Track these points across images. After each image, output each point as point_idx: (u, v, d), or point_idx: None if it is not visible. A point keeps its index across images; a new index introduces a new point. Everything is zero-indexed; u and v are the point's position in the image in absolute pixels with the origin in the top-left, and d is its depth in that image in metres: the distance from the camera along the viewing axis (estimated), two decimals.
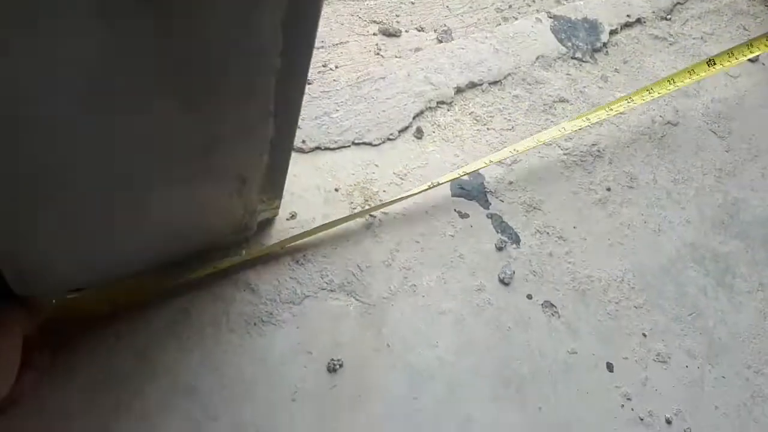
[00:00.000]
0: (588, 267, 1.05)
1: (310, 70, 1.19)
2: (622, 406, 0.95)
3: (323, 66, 1.22)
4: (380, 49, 1.27)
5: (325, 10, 1.32)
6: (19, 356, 0.70)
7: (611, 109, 1.13)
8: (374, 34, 1.31)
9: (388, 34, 1.31)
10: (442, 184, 1.05)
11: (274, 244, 0.95)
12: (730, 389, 0.99)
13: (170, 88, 0.59)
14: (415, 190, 1.04)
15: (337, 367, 0.91)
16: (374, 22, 1.34)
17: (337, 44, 1.28)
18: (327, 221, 0.98)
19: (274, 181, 0.89)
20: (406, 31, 1.32)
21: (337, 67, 1.22)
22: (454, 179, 1.06)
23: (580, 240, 1.07)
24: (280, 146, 0.81)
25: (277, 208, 0.97)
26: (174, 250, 0.91)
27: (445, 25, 1.35)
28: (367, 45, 1.28)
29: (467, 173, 1.07)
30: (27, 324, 0.74)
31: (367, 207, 1.04)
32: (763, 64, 1.37)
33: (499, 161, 1.12)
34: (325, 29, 1.28)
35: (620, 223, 1.10)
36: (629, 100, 1.12)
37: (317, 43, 1.26)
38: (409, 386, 0.91)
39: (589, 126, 1.20)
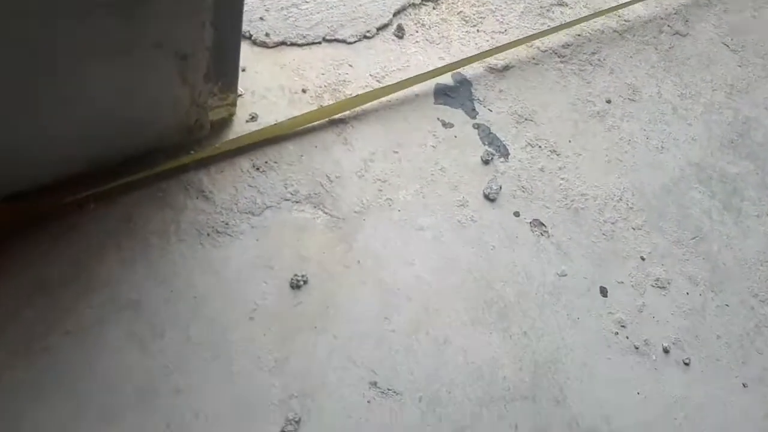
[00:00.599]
0: (583, 184, 0.95)
1: None
2: (616, 333, 0.86)
3: None
4: None
5: None
6: None
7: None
8: None
9: None
10: (423, 80, 0.93)
11: (226, 141, 0.84)
12: (734, 318, 0.91)
13: None
14: (393, 84, 0.92)
15: (302, 283, 0.80)
16: None
17: None
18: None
19: (224, 66, 0.76)
20: None
21: None
22: (437, 76, 0.95)
23: (574, 155, 0.97)
24: (226, 18, 0.69)
25: (233, 105, 0.85)
26: (117, 147, 0.79)
27: None
28: None
29: (453, 71, 0.95)
30: None
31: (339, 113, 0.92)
32: None
33: (491, 67, 1.00)
34: None
35: (620, 138, 1.00)
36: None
37: None
38: (381, 306, 0.81)
39: (588, 33, 1.08)
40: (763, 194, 1.01)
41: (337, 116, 0.92)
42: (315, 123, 0.90)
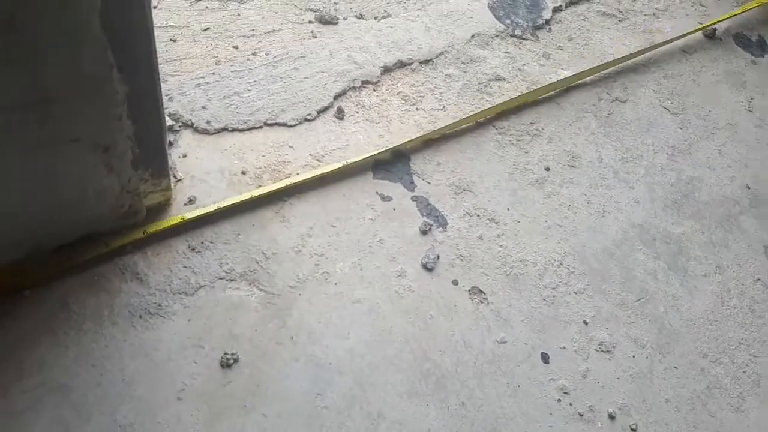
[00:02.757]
0: (522, 250, 0.95)
1: (236, 59, 1.11)
2: (559, 400, 0.84)
3: (252, 54, 1.14)
4: (315, 37, 1.19)
5: None
6: None
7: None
8: (310, 22, 1.23)
9: (324, 21, 1.23)
10: (357, 162, 0.96)
11: (152, 224, 0.86)
12: (683, 380, 0.88)
13: None
14: (329, 168, 0.95)
15: (232, 362, 0.80)
16: (311, 10, 1.26)
17: (269, 32, 1.20)
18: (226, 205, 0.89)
19: (150, 154, 0.79)
20: (345, 18, 1.24)
21: (267, 54, 1.14)
22: (373, 156, 0.98)
23: (513, 222, 0.97)
24: (143, 108, 0.72)
25: (168, 190, 0.88)
26: (51, 234, 0.81)
27: (385, 11, 1.27)
28: (301, 32, 1.20)
29: (389, 149, 0.98)
30: None
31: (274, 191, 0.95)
32: (721, 39, 1.29)
33: (429, 140, 1.03)
34: (257, 17, 1.20)
35: (560, 204, 1.01)
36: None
37: (247, 32, 1.18)
38: (313, 382, 0.80)
39: (527, 105, 1.11)
40: (709, 253, 1.00)
41: (275, 194, 0.94)
42: (252, 202, 0.92)
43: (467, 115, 1.05)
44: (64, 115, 0.66)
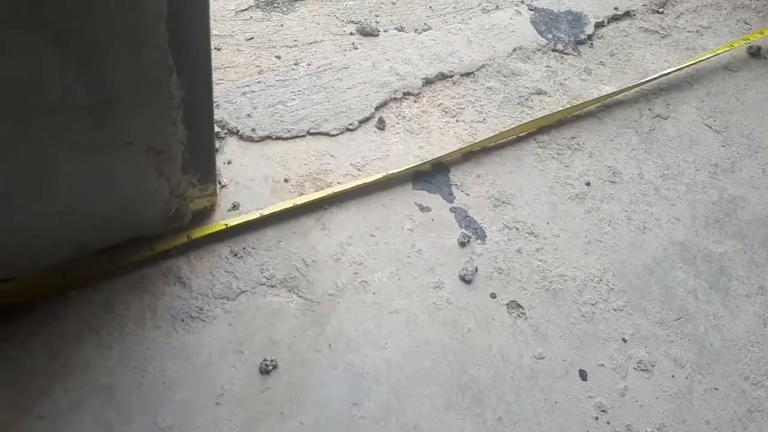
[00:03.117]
0: (561, 265, 0.95)
1: (279, 68, 1.13)
2: (596, 418, 0.83)
3: (294, 64, 1.16)
4: (356, 48, 1.21)
5: (301, 10, 1.27)
6: None
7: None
8: (351, 34, 1.24)
9: (365, 33, 1.24)
10: (397, 173, 0.97)
11: (196, 229, 0.87)
12: (724, 402, 0.87)
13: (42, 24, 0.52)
14: (369, 179, 0.96)
15: (270, 368, 0.81)
16: (352, 21, 1.28)
17: (311, 43, 1.22)
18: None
19: (200, 159, 0.81)
20: (385, 31, 1.26)
21: (309, 65, 1.16)
22: (413, 167, 0.98)
23: (553, 237, 0.97)
24: (197, 113, 0.74)
25: (214, 195, 0.90)
26: (99, 236, 0.83)
27: (426, 24, 1.28)
28: (343, 44, 1.22)
29: (429, 161, 0.99)
30: None
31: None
32: (765, 57, 1.27)
33: (468, 152, 1.04)
34: (300, 28, 1.22)
35: (600, 219, 1.00)
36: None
37: (290, 42, 1.20)
38: (350, 391, 0.81)
39: (568, 119, 1.11)
40: (752, 273, 0.99)
41: (317, 203, 0.95)
42: (295, 209, 0.94)
43: (507, 129, 1.06)
44: (122, 118, 0.67)
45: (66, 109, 0.63)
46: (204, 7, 0.62)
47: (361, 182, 0.96)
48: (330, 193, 0.94)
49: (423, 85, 1.12)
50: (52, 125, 0.63)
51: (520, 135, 1.07)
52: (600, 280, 0.94)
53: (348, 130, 1.04)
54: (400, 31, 1.27)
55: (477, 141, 1.03)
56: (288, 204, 0.92)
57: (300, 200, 0.93)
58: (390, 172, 0.97)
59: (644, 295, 0.94)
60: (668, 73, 1.17)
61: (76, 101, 0.62)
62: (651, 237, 1.00)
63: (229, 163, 0.97)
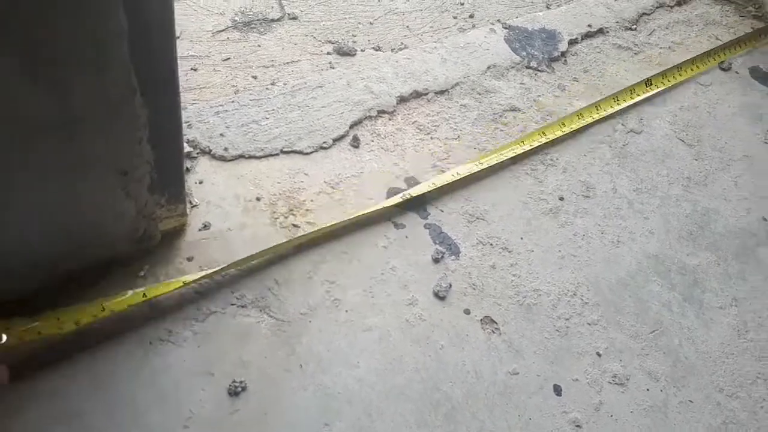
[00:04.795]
0: (536, 280, 0.94)
1: (255, 88, 1.14)
2: None
3: (271, 84, 1.16)
4: (333, 68, 1.21)
5: (279, 31, 1.28)
6: None
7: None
8: (328, 53, 1.25)
9: (342, 53, 1.25)
10: (377, 211, 0.97)
11: (151, 288, 0.84)
12: (698, 415, 0.86)
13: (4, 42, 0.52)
14: (354, 215, 0.95)
15: (240, 390, 0.80)
16: (329, 41, 1.29)
17: (288, 63, 1.23)
18: (243, 231, 0.90)
19: (168, 179, 0.81)
20: (362, 50, 1.27)
21: (285, 84, 1.16)
22: (397, 204, 0.98)
23: (527, 252, 0.97)
24: (164, 133, 0.74)
25: (183, 215, 0.89)
26: (63, 257, 0.82)
27: (402, 44, 1.29)
28: (320, 64, 1.23)
29: (411, 197, 0.99)
30: None
31: (291, 217, 0.95)
32: (737, 72, 1.29)
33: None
34: (277, 48, 1.23)
35: (573, 233, 1.00)
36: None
37: (267, 62, 1.21)
38: (321, 411, 0.80)
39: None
40: (725, 285, 0.99)
41: (289, 221, 0.95)
42: (269, 229, 0.93)
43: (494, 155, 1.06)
44: (86, 137, 0.67)
45: (29, 127, 0.62)
46: (168, 26, 0.62)
47: (343, 221, 0.95)
48: (311, 234, 0.93)
49: (398, 103, 1.13)
50: (14, 142, 0.62)
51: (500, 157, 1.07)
52: (574, 294, 0.94)
53: (322, 148, 1.04)
54: (377, 50, 1.28)
55: (458, 178, 1.03)
56: (264, 223, 0.92)
57: (277, 221, 0.93)
58: (370, 209, 0.96)
59: (618, 308, 0.94)
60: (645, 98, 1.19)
61: (40, 119, 0.62)
62: (625, 251, 1.00)
63: (200, 182, 0.96)
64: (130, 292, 0.82)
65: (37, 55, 0.56)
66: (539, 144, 1.08)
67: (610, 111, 1.16)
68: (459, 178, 1.02)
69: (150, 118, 0.70)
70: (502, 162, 1.06)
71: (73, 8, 0.53)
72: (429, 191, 0.99)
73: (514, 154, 1.06)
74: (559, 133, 1.10)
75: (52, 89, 0.60)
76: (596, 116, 1.14)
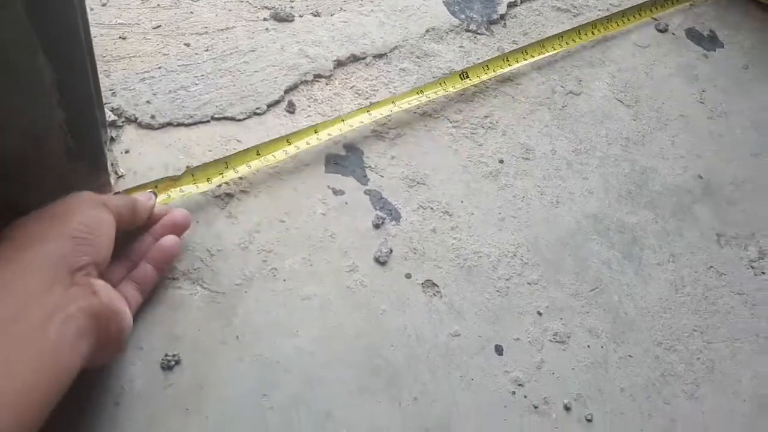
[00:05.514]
0: (476, 243, 0.93)
1: (187, 54, 1.09)
2: (513, 393, 0.82)
3: (205, 51, 1.11)
4: (267, 32, 1.17)
5: None
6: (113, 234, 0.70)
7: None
8: (264, 20, 1.20)
9: (279, 18, 1.20)
10: (304, 150, 0.94)
11: None
12: (638, 369, 0.87)
13: None
14: (279, 156, 0.93)
15: (173, 363, 0.77)
16: (266, 7, 1.24)
17: (222, 30, 1.17)
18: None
19: (85, 146, 0.76)
20: (300, 16, 1.22)
21: (216, 50, 1.11)
22: (329, 138, 0.96)
23: (467, 215, 0.96)
24: (76, 96, 0.69)
25: (107, 185, 0.85)
26: None
27: (342, 9, 1.25)
28: (256, 30, 1.18)
29: (343, 131, 0.97)
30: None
31: (223, 186, 0.92)
32: (673, 34, 1.30)
33: (382, 135, 1.01)
34: (210, 15, 1.17)
35: (513, 195, 0.99)
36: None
37: (200, 29, 1.16)
38: (259, 382, 0.77)
39: (482, 98, 1.10)
40: (663, 242, 1.00)
41: (222, 190, 0.91)
42: (199, 198, 0.89)
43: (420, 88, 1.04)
44: None
45: None
46: None
47: (270, 162, 0.92)
48: (230, 176, 0.90)
49: (335, 68, 1.09)
50: None
51: (433, 117, 1.05)
52: (514, 255, 0.94)
53: (256, 114, 1.01)
54: (315, 16, 1.24)
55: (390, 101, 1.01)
56: (183, 184, 0.88)
57: (198, 186, 0.89)
58: (298, 146, 0.94)
59: (558, 268, 0.94)
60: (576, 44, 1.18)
61: None
62: (564, 211, 1.00)
63: (126, 152, 0.92)
64: None
65: None
66: (462, 87, 1.08)
67: (537, 57, 1.15)
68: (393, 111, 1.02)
69: (58, 81, 0.66)
70: (441, 126, 1.04)
71: None
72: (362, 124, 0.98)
73: (435, 96, 1.06)
74: (484, 77, 1.09)
75: None
76: (522, 61, 1.13)
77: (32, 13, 0.57)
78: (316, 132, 0.97)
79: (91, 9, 1.14)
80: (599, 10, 1.31)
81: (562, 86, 1.16)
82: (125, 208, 0.76)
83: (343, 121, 0.99)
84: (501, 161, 1.03)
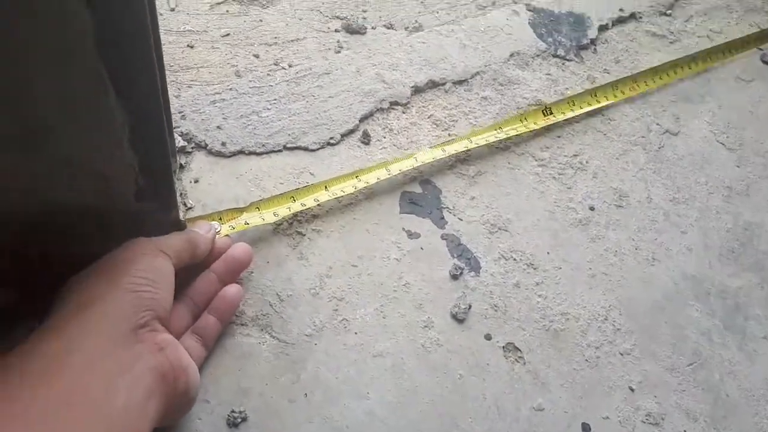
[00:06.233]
0: (563, 302, 0.86)
1: (257, 69, 1.03)
2: None
3: (274, 64, 1.05)
4: (341, 47, 1.10)
5: (282, 4, 1.16)
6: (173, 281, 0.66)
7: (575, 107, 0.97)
8: (336, 31, 1.14)
9: (351, 30, 1.13)
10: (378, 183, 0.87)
11: None
12: None
13: None
14: (348, 190, 0.86)
15: (239, 420, 0.72)
16: (337, 17, 1.17)
17: (292, 41, 1.11)
18: (242, 239, 0.80)
19: (156, 185, 0.70)
20: (373, 28, 1.15)
21: (290, 66, 1.05)
22: (400, 173, 0.89)
23: (554, 269, 0.88)
24: (148, 136, 0.64)
25: (177, 223, 0.79)
26: None
27: (417, 22, 1.18)
28: (327, 42, 1.11)
29: (416, 166, 0.90)
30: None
31: (295, 223, 0.86)
32: None
33: (462, 173, 0.94)
34: (281, 24, 1.11)
35: (605, 249, 0.91)
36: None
37: (269, 39, 1.09)
38: None
39: (570, 133, 1.01)
40: None
41: (294, 228, 0.85)
42: (270, 236, 0.84)
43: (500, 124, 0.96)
44: (59, 144, 0.57)
45: None
46: (142, 20, 0.52)
47: (337, 195, 0.86)
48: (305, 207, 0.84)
49: (412, 94, 1.02)
50: None
51: (517, 153, 0.97)
52: (605, 319, 0.86)
53: (329, 144, 0.94)
54: (389, 28, 1.16)
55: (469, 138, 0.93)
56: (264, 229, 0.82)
57: (279, 226, 0.83)
58: (370, 182, 0.87)
59: (653, 336, 0.86)
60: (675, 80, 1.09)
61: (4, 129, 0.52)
62: (661, 269, 0.91)
63: (196, 181, 0.86)
64: None
65: None
66: (546, 124, 1.00)
67: (629, 95, 1.06)
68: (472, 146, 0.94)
69: (130, 121, 0.60)
70: (526, 164, 0.96)
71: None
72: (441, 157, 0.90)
73: (516, 133, 0.98)
74: (569, 114, 1.01)
75: (12, 95, 0.50)
76: (613, 99, 1.04)
77: (105, 53, 0.51)
78: (387, 168, 0.90)
79: (161, 14, 1.09)
80: (698, 36, 1.20)
81: (657, 124, 1.06)
82: (185, 250, 0.71)
83: (415, 158, 0.92)
84: (592, 208, 0.94)
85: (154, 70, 0.59)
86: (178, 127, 0.90)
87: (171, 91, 0.95)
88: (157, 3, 1.14)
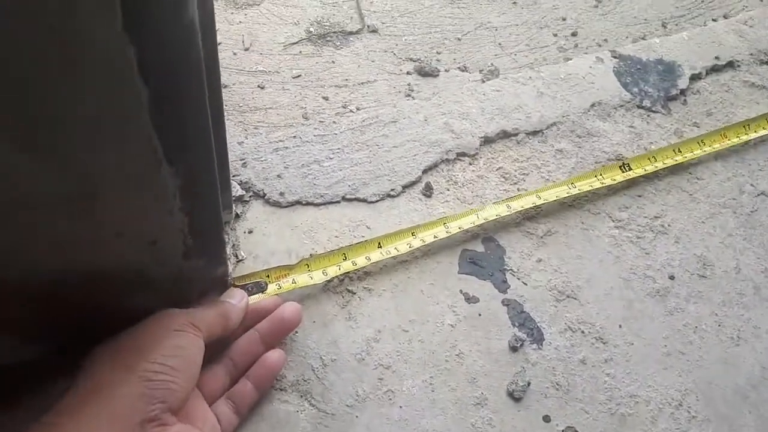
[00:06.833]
0: (633, 383, 0.78)
1: (325, 111, 1.01)
2: None
3: (342, 107, 1.04)
4: (412, 90, 1.08)
5: (356, 45, 1.15)
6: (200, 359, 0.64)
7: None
8: (408, 73, 1.11)
9: (423, 73, 1.11)
10: (437, 241, 0.83)
11: None
12: None
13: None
14: (402, 248, 0.83)
15: None
16: (410, 59, 1.15)
17: (363, 83, 1.10)
18: (290, 296, 0.78)
19: (205, 244, 0.69)
20: (446, 71, 1.12)
21: (358, 109, 1.04)
22: (460, 230, 0.84)
23: (625, 344, 0.80)
24: (200, 202, 0.62)
25: (225, 277, 0.78)
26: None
27: (492, 65, 1.13)
28: (398, 85, 1.09)
29: (476, 224, 0.85)
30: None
31: (346, 280, 0.83)
32: None
33: (529, 231, 0.88)
34: (352, 65, 1.10)
35: (684, 324, 0.83)
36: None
37: (340, 81, 1.08)
38: None
39: (652, 193, 0.94)
40: None
41: (344, 285, 0.82)
42: (318, 292, 0.81)
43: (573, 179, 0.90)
44: (106, 210, 0.57)
45: (36, 204, 0.52)
46: (199, 93, 0.50)
47: (391, 255, 0.82)
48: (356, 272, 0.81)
49: (481, 145, 0.97)
50: (22, 220, 0.53)
51: (593, 212, 0.91)
52: (680, 404, 0.77)
53: (389, 196, 0.91)
54: (463, 71, 1.13)
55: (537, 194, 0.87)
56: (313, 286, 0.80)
57: (329, 283, 0.80)
58: (426, 240, 0.83)
59: (734, 428, 0.76)
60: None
61: (53, 193, 0.52)
62: (746, 351, 0.82)
63: (249, 232, 0.85)
64: None
65: (50, 140, 0.45)
66: (623, 179, 0.93)
67: (717, 147, 0.97)
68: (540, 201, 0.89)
69: (181, 187, 0.59)
70: (601, 225, 0.89)
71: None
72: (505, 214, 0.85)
73: (590, 189, 0.91)
74: (649, 169, 0.93)
75: (63, 161, 0.49)
76: (698, 152, 0.95)
77: (157, 125, 0.50)
78: (445, 224, 0.86)
79: (234, 54, 1.10)
80: None
81: (751, 185, 0.96)
82: (217, 324, 0.68)
83: (476, 214, 0.87)
84: (671, 277, 0.86)
85: (209, 138, 0.58)
86: (238, 175, 0.89)
87: (237, 135, 0.95)
88: (232, 42, 1.16)
